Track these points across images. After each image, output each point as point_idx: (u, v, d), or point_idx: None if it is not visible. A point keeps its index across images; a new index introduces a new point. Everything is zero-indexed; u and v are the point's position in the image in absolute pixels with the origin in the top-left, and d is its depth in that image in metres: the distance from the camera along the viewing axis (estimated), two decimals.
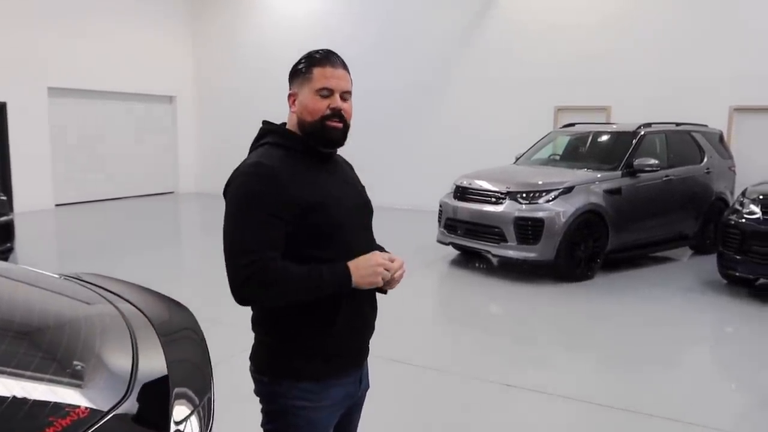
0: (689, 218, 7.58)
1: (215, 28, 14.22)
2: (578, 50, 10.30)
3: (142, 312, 1.59)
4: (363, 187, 1.87)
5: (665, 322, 5.31)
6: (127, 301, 1.69)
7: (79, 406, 1.09)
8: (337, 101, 1.65)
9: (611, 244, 6.71)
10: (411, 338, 4.83)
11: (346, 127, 1.69)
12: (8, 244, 6.41)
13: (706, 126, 8.28)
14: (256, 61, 13.59)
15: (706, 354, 4.90)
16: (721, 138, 8.33)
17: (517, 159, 8.15)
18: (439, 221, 7.31)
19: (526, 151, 8.20)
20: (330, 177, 1.71)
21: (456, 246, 7.33)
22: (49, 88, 11.56)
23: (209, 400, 1.45)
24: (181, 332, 1.65)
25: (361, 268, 1.62)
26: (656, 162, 6.91)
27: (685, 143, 7.81)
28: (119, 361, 1.36)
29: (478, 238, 6.76)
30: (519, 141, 9.07)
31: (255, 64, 13.61)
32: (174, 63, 14.13)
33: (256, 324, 1.73)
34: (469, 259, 7.54)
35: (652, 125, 7.55)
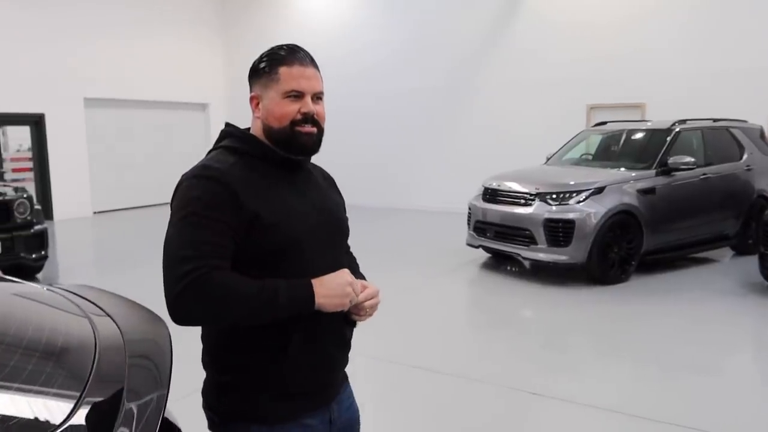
0: (729, 217, 7.29)
1: (246, 37, 14.39)
2: (610, 46, 10.06)
3: (119, 331, 1.56)
4: (339, 204, 1.64)
5: (704, 327, 5.10)
6: (108, 315, 1.67)
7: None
8: (308, 104, 1.46)
9: (646, 246, 6.50)
10: (437, 344, 4.75)
11: (321, 132, 1.50)
12: (43, 253, 6.56)
13: (745, 121, 7.96)
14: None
15: (749, 362, 4.68)
16: (762, 134, 7.99)
17: (548, 159, 7.98)
18: (469, 224, 7.21)
19: (557, 151, 8.03)
20: (291, 188, 1.48)
21: (486, 249, 7.21)
22: (85, 99, 11.89)
23: None
24: (143, 359, 1.54)
25: (327, 287, 1.40)
26: (692, 160, 6.67)
27: (723, 140, 7.52)
28: (68, 383, 1.32)
29: (508, 241, 6.64)
30: (551, 141, 8.88)
31: None
32: (206, 71, 14.37)
33: (204, 355, 1.54)
34: (499, 262, 7.41)
35: (688, 122, 7.29)
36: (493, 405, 3.71)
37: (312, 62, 1.51)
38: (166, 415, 1.35)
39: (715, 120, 7.63)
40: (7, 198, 6.34)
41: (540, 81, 10.75)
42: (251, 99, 1.53)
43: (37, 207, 6.77)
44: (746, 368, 4.50)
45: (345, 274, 1.45)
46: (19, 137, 11.48)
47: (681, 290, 6.14)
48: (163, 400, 1.33)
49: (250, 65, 1.56)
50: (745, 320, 5.36)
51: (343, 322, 1.53)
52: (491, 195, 6.92)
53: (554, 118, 10.43)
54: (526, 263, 7.20)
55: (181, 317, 1.35)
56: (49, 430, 1.14)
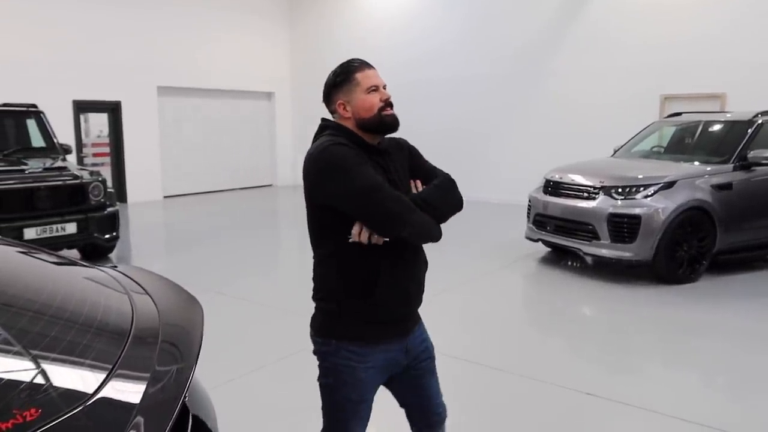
0: None
1: (310, 30, 14.58)
2: (688, 32, 9.50)
3: (156, 308, 1.59)
4: (404, 176, 1.99)
5: None
6: (147, 293, 1.70)
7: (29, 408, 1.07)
8: (385, 93, 1.92)
9: (720, 244, 6.12)
10: (493, 339, 4.66)
11: (395, 113, 1.94)
12: (114, 233, 6.89)
13: None
14: (350, 57, 13.75)
15: None
16: None
17: (615, 151, 7.65)
18: (528, 216, 7.03)
19: (626, 143, 7.68)
20: (375, 166, 1.87)
21: (545, 243, 7.01)
22: (158, 87, 12.38)
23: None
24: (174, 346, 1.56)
25: None
26: None
27: None
28: (102, 356, 1.35)
29: (569, 235, 6.42)
30: (622, 132, 8.50)
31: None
32: (272, 62, 14.67)
33: (314, 291, 1.95)
34: (560, 257, 7.19)
35: None
36: (546, 404, 3.59)
37: (372, 65, 1.98)
38: (192, 394, 1.37)
39: None
40: (83, 181, 6.69)
41: (611, 68, 10.30)
42: (338, 105, 1.93)
43: (110, 190, 7.11)
44: None
45: None
46: (100, 123, 12.11)
47: (756, 294, 5.75)
48: (189, 373, 1.35)
49: (324, 85, 1.97)
50: None
51: (419, 264, 1.96)
52: (553, 187, 6.70)
53: (626, 108, 9.98)
54: (588, 259, 6.95)
55: (399, 228, 1.78)
56: (81, 400, 1.17)
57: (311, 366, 4.29)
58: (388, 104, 1.91)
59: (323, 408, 2.00)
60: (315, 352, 1.98)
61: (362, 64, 1.95)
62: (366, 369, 1.89)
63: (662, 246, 5.83)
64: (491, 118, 11.64)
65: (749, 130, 6.47)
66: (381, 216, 1.76)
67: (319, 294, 1.94)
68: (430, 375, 2.09)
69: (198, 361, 1.45)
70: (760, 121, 6.56)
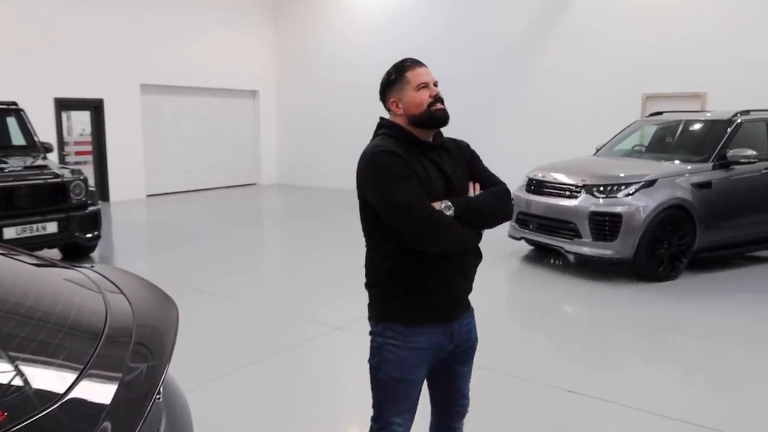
0: None
1: (295, 29, 14.53)
2: (669, 32, 9.60)
3: (130, 308, 1.58)
4: (463, 172, 2.07)
5: (759, 330, 4.82)
6: (122, 293, 1.69)
7: None
8: (434, 90, 2.02)
9: (699, 242, 6.20)
10: None
11: (446, 108, 2.03)
12: (96, 232, 6.82)
13: None
14: (335, 58, 13.76)
15: None
16: None
17: (598, 150, 7.71)
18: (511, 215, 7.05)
19: (608, 142, 7.75)
20: (428, 161, 1.98)
21: (528, 241, 7.06)
22: (141, 85, 12.27)
23: None
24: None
25: None
26: (754, 153, 6.30)
27: None
28: (73, 356, 1.34)
29: (551, 234, 6.47)
30: (605, 131, 8.55)
31: (333, 61, 13.78)
32: (257, 60, 14.59)
33: (366, 278, 2.06)
34: (543, 255, 7.24)
35: (751, 112, 6.89)
36: (529, 402, 3.61)
37: (423, 63, 2.05)
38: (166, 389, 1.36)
39: None
40: (64, 180, 6.61)
41: (595, 68, 10.38)
42: (391, 104, 2.04)
43: (92, 188, 7.03)
44: None
45: None
46: (83, 122, 11.97)
47: (735, 291, 5.84)
48: (161, 373, 1.34)
49: (380, 83, 2.06)
50: None
51: (466, 256, 2.03)
52: (536, 186, 6.75)
53: (608, 107, 10.06)
54: (570, 257, 7.01)
55: (427, 244, 1.88)
56: (51, 401, 1.17)
57: (295, 365, 4.29)
58: (438, 100, 2.00)
59: (371, 388, 2.08)
60: (369, 334, 2.08)
61: (414, 63, 2.04)
62: (408, 348, 1.97)
63: (643, 244, 5.90)
64: (475, 117, 11.66)
65: (728, 130, 6.56)
66: (410, 233, 1.86)
67: (369, 280, 2.06)
68: (464, 365, 2.18)
69: (171, 361, 1.44)
70: (739, 121, 6.65)
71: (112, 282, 1.79)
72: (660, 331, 4.88)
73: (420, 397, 2.10)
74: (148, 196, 12.66)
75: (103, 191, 11.76)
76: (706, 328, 4.86)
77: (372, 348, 2.05)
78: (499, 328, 4.99)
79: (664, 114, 7.69)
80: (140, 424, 1.16)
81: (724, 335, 4.71)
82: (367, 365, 2.07)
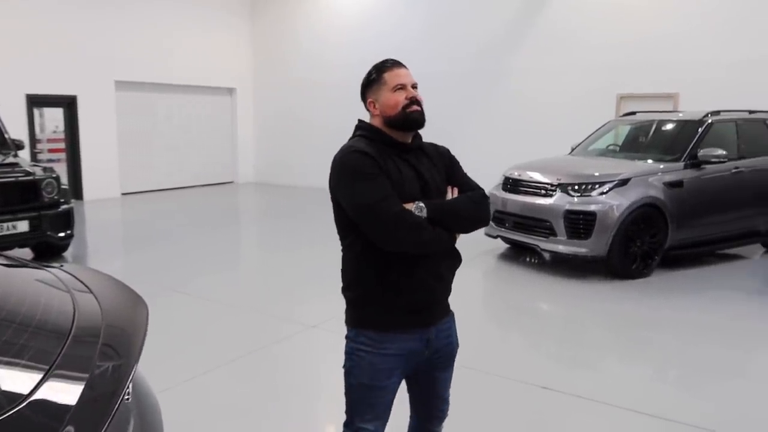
0: (762, 213, 7.03)
1: (273, 25, 14.43)
2: (642, 33, 9.75)
3: (99, 307, 1.56)
4: (441, 175, 2.06)
5: (729, 326, 4.93)
6: (91, 292, 1.67)
7: None
8: (411, 91, 1.99)
9: (671, 240, 6.32)
10: None
11: (423, 110, 2.01)
12: (68, 231, 6.71)
13: None
14: (312, 55, 13.70)
15: None
16: None
17: (573, 149, 7.81)
18: None
19: (583, 141, 7.85)
20: (404, 163, 1.97)
21: (505, 239, 7.12)
22: (116, 82, 12.08)
23: None
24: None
25: None
26: (724, 152, 6.43)
27: (759, 132, 7.24)
28: (38, 356, 1.32)
29: (527, 232, 6.53)
30: (580, 130, 8.66)
31: (311, 59, 13.73)
32: (234, 57, 14.45)
33: (342, 281, 2.04)
34: (519, 253, 7.31)
35: (722, 113, 7.04)
36: (505, 399, 3.65)
37: (403, 65, 2.04)
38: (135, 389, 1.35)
39: (751, 112, 7.35)
40: (35, 178, 6.48)
41: (570, 67, 10.50)
42: (369, 104, 2.03)
43: (64, 187, 6.91)
44: None
45: None
46: (57, 119, 11.74)
47: (705, 288, 5.96)
48: (129, 373, 1.33)
49: (361, 83, 2.06)
50: None
51: (442, 259, 1.99)
52: (512, 185, 6.81)
53: (583, 106, 10.19)
54: (546, 255, 7.08)
55: (395, 244, 1.85)
56: (15, 402, 1.15)
57: (271, 364, 4.27)
58: (414, 102, 1.98)
59: (344, 393, 2.06)
60: (345, 338, 2.06)
61: (393, 65, 2.03)
62: (380, 355, 1.94)
63: (616, 242, 5.99)
64: (452, 116, 11.72)
65: (699, 130, 6.69)
66: (377, 232, 1.84)
67: (344, 284, 2.05)
68: (444, 371, 2.15)
69: (140, 361, 1.43)
70: (709, 121, 6.78)
71: (81, 282, 1.77)
72: (633, 328, 4.96)
73: (400, 398, 2.09)
74: (123, 194, 12.47)
75: (76, 190, 11.55)
76: (678, 325, 4.95)
77: (345, 353, 2.04)
78: (475, 326, 5.02)
79: (637, 114, 7.81)
80: (106, 424, 1.15)
81: (695, 332, 4.80)
82: (341, 371, 2.05)
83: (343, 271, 2.04)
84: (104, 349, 1.41)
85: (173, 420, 3.20)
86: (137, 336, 1.50)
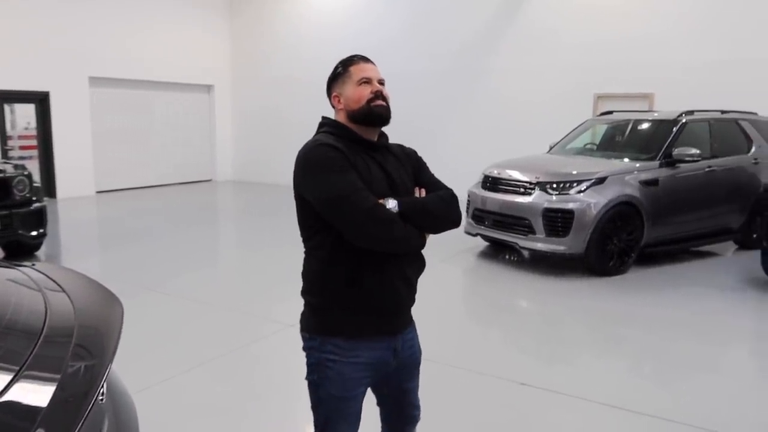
0: (734, 211, 7.18)
1: (251, 22, 14.30)
2: (619, 33, 9.88)
3: (72, 307, 1.52)
4: (408, 174, 2.00)
5: (703, 322, 5.02)
6: (64, 291, 1.63)
7: None
8: (376, 85, 1.93)
9: (647, 238, 6.41)
10: (431, 332, 4.70)
11: (389, 107, 1.95)
12: (41, 230, 6.57)
13: (755, 114, 7.80)
14: (292, 52, 13.62)
15: (747, 358, 4.60)
16: None
17: (551, 148, 7.88)
18: (467, 211, 7.14)
19: (561, 140, 7.92)
20: (371, 161, 1.90)
21: (484, 237, 7.15)
22: (90, 78, 11.86)
23: None
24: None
25: None
26: (697, 152, 6.55)
27: (731, 132, 7.39)
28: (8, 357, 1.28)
29: (506, 230, 6.57)
30: (558, 129, 8.76)
31: (290, 56, 13.64)
32: (212, 54, 14.29)
33: (303, 286, 1.95)
34: (498, 251, 7.35)
35: (695, 113, 7.16)
36: (484, 395, 3.66)
37: (370, 61, 1.99)
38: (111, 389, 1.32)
39: (723, 112, 7.49)
40: (6, 175, 6.34)
41: (548, 67, 10.59)
42: (333, 98, 1.97)
43: (37, 184, 6.77)
44: (744, 365, 4.43)
45: None
46: (28, 115, 11.49)
47: (680, 284, 6.06)
48: (102, 373, 1.30)
49: (328, 77, 1.99)
50: (745, 316, 5.27)
51: (410, 262, 1.92)
52: (491, 183, 6.84)
53: (562, 106, 10.28)
54: (524, 253, 7.14)
55: (367, 239, 1.77)
56: None
57: (249, 363, 4.23)
58: (379, 96, 1.91)
59: (311, 406, 1.97)
60: (303, 348, 1.97)
61: (360, 59, 1.98)
62: (350, 364, 1.87)
63: (594, 239, 6.06)
64: (432, 114, 11.76)
65: (674, 129, 6.80)
66: (349, 226, 1.76)
67: (305, 287, 1.95)
68: (411, 382, 2.10)
69: (114, 361, 1.40)
70: (684, 121, 6.90)
71: (53, 281, 1.72)
72: (610, 324, 5.02)
73: (369, 400, 2.05)
74: (98, 192, 12.26)
75: (49, 187, 11.33)
76: (653, 321, 5.03)
77: (309, 364, 1.93)
78: (454, 323, 5.04)
79: (614, 113, 7.91)
80: (79, 425, 1.12)
81: (670, 327, 4.88)
82: (306, 379, 1.97)
83: (305, 273, 1.94)
84: (77, 349, 1.38)
85: (151, 420, 3.16)
86: (111, 336, 1.46)
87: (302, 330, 1.96)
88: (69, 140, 11.62)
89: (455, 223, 1.99)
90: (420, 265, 2.00)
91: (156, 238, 8.19)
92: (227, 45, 14.64)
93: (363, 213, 1.74)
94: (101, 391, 1.30)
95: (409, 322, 2.05)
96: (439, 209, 1.93)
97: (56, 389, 1.20)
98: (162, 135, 13.49)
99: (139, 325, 4.57)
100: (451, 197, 1.99)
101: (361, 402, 1.96)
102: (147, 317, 4.86)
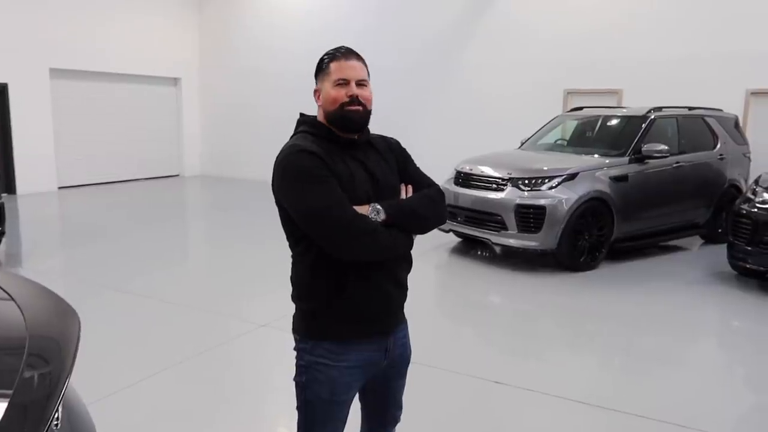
0: (700, 206, 7.31)
1: (219, 14, 14.02)
2: (588, 29, 9.96)
3: (22, 316, 1.42)
4: (392, 170, 1.93)
5: (671, 316, 5.09)
6: (13, 299, 1.52)
7: None
8: (353, 89, 1.81)
9: (617, 233, 6.48)
10: None
11: (366, 111, 1.85)
12: (0, 228, 6.30)
13: (721, 110, 7.96)
14: (261, 44, 13.40)
15: (714, 351, 4.68)
16: (736, 123, 8.01)
17: (522, 144, 7.90)
18: None
19: (532, 136, 7.95)
20: (352, 160, 1.82)
21: (456, 233, 7.14)
22: (51, 69, 11.46)
23: None
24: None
25: None
26: (666, 148, 6.64)
27: (697, 128, 7.52)
28: None
29: (479, 226, 6.56)
30: (529, 124, 8.79)
31: (259, 48, 13.42)
32: (179, 45, 13.97)
33: (293, 291, 1.90)
34: (470, 247, 7.35)
35: (663, 109, 7.26)
36: (456, 393, 3.64)
37: (356, 57, 1.86)
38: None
39: (690, 108, 7.61)
40: None
41: (519, 62, 10.62)
42: (315, 92, 1.89)
43: None
44: (710, 358, 4.50)
45: None
46: None
47: (649, 279, 6.14)
48: (60, 388, 1.20)
49: (316, 65, 1.88)
50: (711, 310, 5.37)
51: (398, 264, 1.88)
52: (463, 179, 6.82)
53: (532, 101, 10.34)
54: (497, 249, 7.15)
55: (351, 253, 1.72)
56: None
57: (219, 365, 4.12)
58: (355, 100, 1.80)
59: (298, 408, 1.92)
60: (294, 349, 1.92)
61: (344, 54, 1.85)
62: (340, 368, 1.83)
63: (565, 235, 6.09)
64: (404, 108, 11.69)
65: (643, 125, 6.87)
66: (328, 241, 1.71)
67: (294, 292, 1.91)
68: (399, 380, 2.07)
69: (72, 374, 1.30)
70: (652, 117, 6.98)
71: (1, 288, 1.61)
72: (581, 319, 5.05)
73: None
74: (60, 188, 11.88)
75: (8, 183, 10.94)
76: (623, 316, 5.07)
77: (299, 366, 1.89)
78: (428, 321, 5.00)
79: (584, 109, 7.96)
80: None
81: (639, 322, 4.93)
82: (293, 372, 1.92)
83: (293, 279, 1.90)
84: (31, 361, 1.27)
85: (115, 427, 3.03)
86: (68, 348, 1.36)
87: (294, 331, 1.93)
88: (29, 134, 11.22)
89: (442, 221, 1.96)
90: (409, 264, 1.96)
91: (121, 236, 7.96)
92: (195, 36, 14.32)
93: (343, 228, 1.68)
94: (58, 408, 1.20)
95: (401, 321, 2.01)
96: (427, 210, 1.88)
97: (8, 407, 1.11)
98: (127, 129, 13.13)
99: (104, 327, 4.41)
100: (437, 194, 1.94)
101: (349, 407, 1.92)
102: (112, 318, 4.70)
